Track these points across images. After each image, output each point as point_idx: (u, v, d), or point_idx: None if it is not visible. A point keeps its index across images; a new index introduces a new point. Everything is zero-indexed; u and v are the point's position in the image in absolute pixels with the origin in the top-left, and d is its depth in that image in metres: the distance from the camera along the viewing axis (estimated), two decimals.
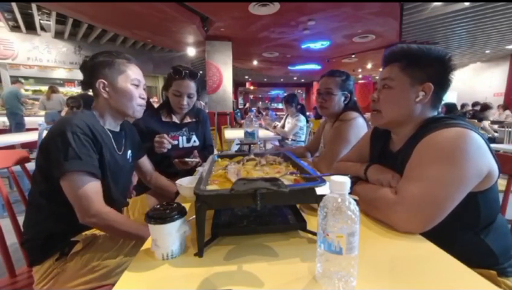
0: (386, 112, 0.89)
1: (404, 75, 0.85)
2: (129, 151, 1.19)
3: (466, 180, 0.71)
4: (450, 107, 5.10)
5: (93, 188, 0.88)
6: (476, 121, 5.40)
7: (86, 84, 1.04)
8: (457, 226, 0.78)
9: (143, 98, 1.08)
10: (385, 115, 0.89)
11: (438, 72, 0.84)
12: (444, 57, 0.83)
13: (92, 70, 1.01)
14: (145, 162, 1.35)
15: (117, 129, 1.12)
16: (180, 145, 1.65)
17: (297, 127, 3.88)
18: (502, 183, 1.11)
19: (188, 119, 1.70)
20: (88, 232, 1.01)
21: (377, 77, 1.10)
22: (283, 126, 4.13)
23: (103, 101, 1.03)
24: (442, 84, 0.85)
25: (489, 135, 5.25)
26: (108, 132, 1.04)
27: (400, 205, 0.73)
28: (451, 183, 0.70)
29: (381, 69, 0.95)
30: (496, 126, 5.61)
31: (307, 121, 4.13)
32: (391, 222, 0.75)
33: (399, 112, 0.87)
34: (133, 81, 1.03)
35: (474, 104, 6.91)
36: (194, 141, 1.70)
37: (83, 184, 0.86)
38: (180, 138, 1.65)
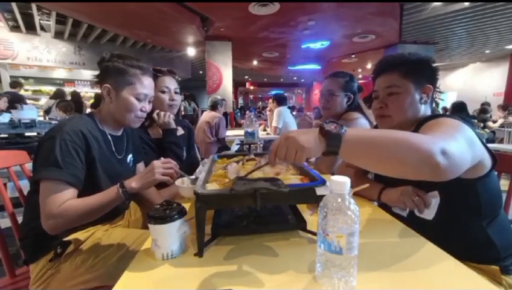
0: (397, 115, 0.94)
1: (408, 81, 0.92)
2: (130, 156, 1.18)
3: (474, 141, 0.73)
4: (458, 108, 4.44)
5: (62, 196, 0.85)
6: (476, 121, 5.40)
7: (98, 79, 1.04)
8: (462, 214, 0.84)
9: (144, 111, 1.06)
10: (396, 118, 0.94)
11: (431, 73, 0.95)
12: (430, 59, 0.95)
13: (103, 71, 1.01)
14: (139, 169, 1.28)
15: (119, 133, 1.11)
16: None
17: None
18: (504, 184, 1.12)
19: (179, 132, 1.60)
20: (80, 233, 0.99)
21: None
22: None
23: (106, 104, 1.03)
24: (435, 83, 0.95)
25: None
26: (109, 136, 1.04)
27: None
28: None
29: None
30: (497, 124, 5.62)
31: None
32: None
33: (408, 114, 0.93)
34: (138, 96, 1.02)
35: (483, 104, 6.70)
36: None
37: (54, 192, 0.84)
38: None
